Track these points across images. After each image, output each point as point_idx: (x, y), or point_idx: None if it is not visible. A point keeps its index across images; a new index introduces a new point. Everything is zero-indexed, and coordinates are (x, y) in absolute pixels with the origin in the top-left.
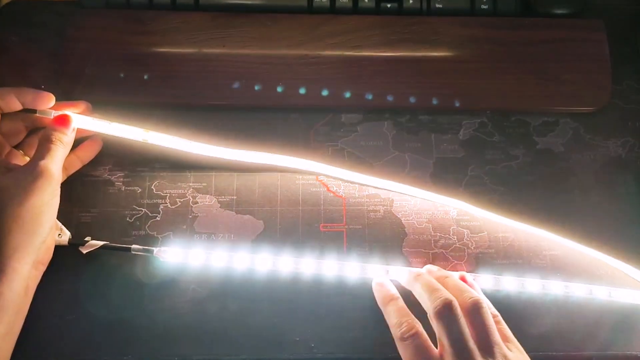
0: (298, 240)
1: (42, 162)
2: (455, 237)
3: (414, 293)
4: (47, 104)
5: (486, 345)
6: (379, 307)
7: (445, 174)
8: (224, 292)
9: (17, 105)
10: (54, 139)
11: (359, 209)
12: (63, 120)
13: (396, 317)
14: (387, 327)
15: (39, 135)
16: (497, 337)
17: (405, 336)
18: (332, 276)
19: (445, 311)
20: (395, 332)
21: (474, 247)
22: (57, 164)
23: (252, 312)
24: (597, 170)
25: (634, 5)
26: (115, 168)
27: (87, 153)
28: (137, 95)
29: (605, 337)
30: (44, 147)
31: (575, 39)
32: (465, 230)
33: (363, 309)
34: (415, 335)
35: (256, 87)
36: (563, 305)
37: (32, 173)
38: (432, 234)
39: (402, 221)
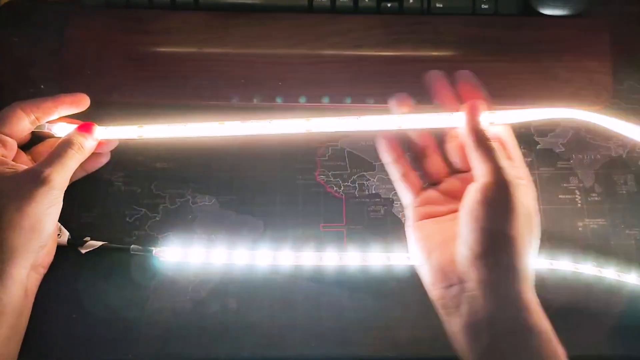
0: (298, 240)
1: (46, 170)
2: None
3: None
4: (82, 105)
5: None
6: (378, 307)
7: None
8: (223, 291)
9: (54, 113)
10: (72, 144)
11: (359, 208)
12: (87, 128)
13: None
14: (387, 326)
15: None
16: None
17: None
18: (331, 275)
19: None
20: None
21: None
22: (63, 173)
23: (252, 311)
24: (597, 170)
25: (636, 5)
26: (115, 168)
27: (93, 165)
28: (137, 96)
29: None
30: (57, 153)
31: (576, 38)
32: None
33: (363, 308)
34: None
35: (256, 87)
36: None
37: (33, 180)
38: None
39: (402, 221)
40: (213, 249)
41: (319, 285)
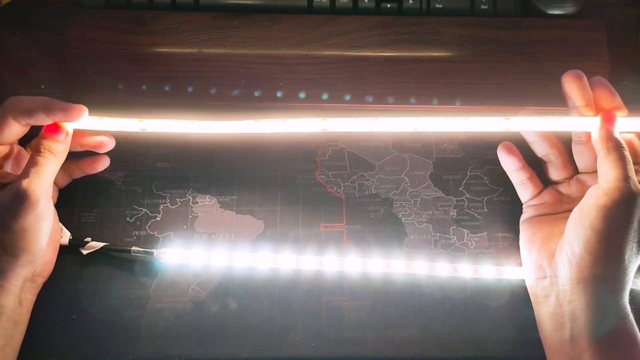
0: (298, 240)
1: (24, 183)
2: (455, 237)
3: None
4: (79, 117)
5: None
6: (378, 307)
7: (445, 174)
8: (224, 292)
9: (46, 121)
10: (42, 150)
11: (359, 208)
12: (53, 128)
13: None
14: (385, 326)
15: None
16: None
17: None
18: (331, 275)
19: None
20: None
21: (473, 247)
22: (42, 183)
23: (251, 311)
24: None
25: (634, 6)
26: (115, 168)
27: (90, 167)
28: (137, 96)
29: None
30: (30, 163)
31: (574, 39)
32: (465, 230)
33: (362, 309)
34: None
35: (256, 87)
36: None
37: (12, 197)
38: (432, 234)
39: (402, 221)
40: (213, 250)
41: (319, 286)
